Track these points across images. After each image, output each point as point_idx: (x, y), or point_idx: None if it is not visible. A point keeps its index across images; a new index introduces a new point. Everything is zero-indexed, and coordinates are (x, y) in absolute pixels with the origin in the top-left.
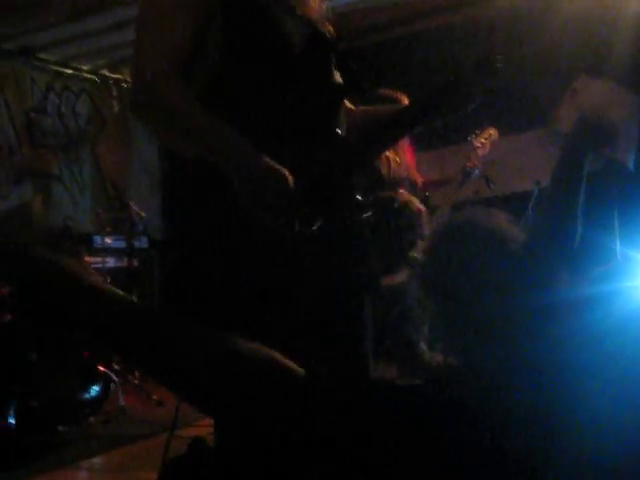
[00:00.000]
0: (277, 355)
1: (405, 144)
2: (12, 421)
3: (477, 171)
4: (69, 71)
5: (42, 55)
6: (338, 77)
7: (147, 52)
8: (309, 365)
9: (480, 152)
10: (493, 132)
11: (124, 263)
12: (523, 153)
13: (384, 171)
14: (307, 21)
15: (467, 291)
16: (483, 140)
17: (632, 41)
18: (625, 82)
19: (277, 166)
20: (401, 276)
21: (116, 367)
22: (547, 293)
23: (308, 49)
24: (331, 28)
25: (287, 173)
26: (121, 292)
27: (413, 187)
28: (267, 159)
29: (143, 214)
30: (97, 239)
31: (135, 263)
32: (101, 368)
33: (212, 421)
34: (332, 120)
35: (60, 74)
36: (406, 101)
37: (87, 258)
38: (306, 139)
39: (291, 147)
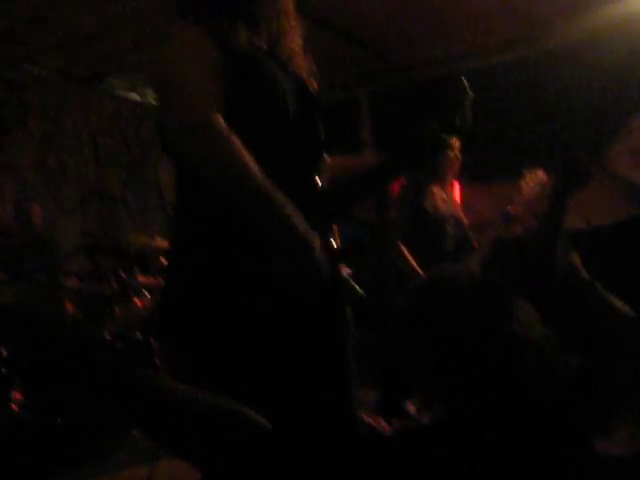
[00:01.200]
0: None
1: (453, 181)
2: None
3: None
4: (135, 96)
5: (110, 81)
6: (321, 131)
7: (192, 97)
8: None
9: (526, 195)
10: (542, 175)
11: None
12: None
13: (429, 207)
14: (297, 78)
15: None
16: (530, 183)
17: None
18: None
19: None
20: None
21: None
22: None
23: (297, 105)
24: (315, 84)
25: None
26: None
27: (459, 225)
28: (316, 237)
29: None
30: (153, 261)
31: None
32: None
33: None
34: (314, 172)
35: (126, 99)
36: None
37: (141, 278)
38: (289, 190)
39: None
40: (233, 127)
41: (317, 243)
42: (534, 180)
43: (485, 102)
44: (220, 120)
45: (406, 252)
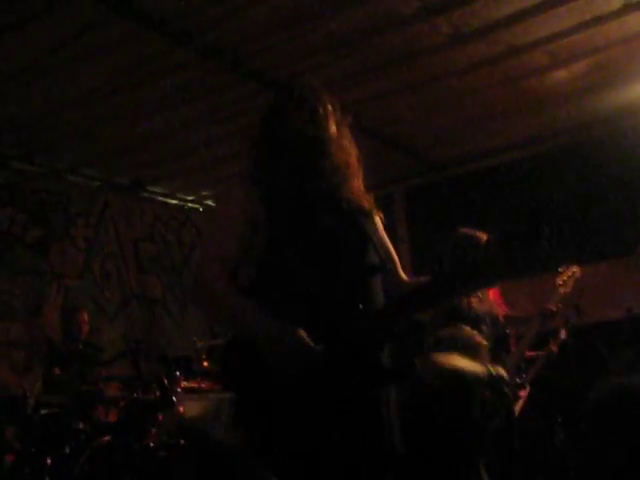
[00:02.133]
0: None
1: None
2: None
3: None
4: (174, 202)
5: (150, 188)
6: (373, 256)
7: (207, 258)
8: None
9: (562, 290)
10: (576, 270)
11: (219, 386)
12: (612, 281)
13: (464, 306)
14: (348, 206)
15: None
16: (565, 278)
17: None
18: None
19: (301, 339)
20: None
21: None
22: None
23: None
24: (367, 201)
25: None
26: None
27: (494, 323)
28: (290, 334)
29: None
30: (194, 364)
31: None
32: None
33: None
34: (362, 296)
35: (166, 204)
36: (484, 239)
37: (183, 382)
38: (336, 313)
39: (325, 320)
40: (273, 256)
41: (284, 335)
42: (569, 275)
43: (514, 196)
44: (217, 289)
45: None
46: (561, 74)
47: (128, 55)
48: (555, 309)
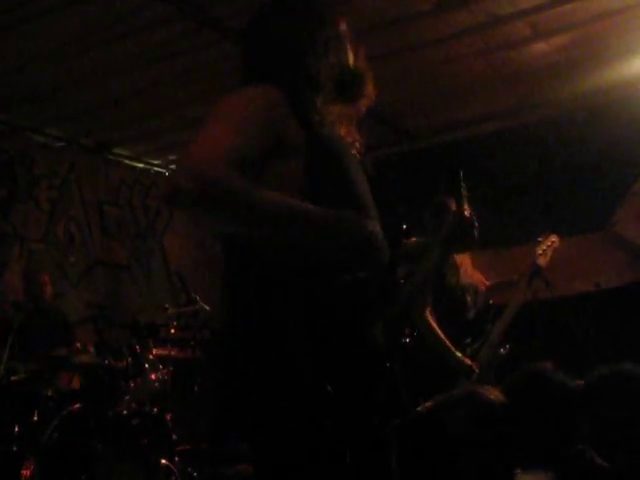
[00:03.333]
0: None
1: None
2: None
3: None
4: (141, 165)
5: (116, 150)
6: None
7: (213, 147)
8: None
9: (541, 260)
10: (555, 239)
11: (188, 354)
12: (583, 255)
13: (454, 279)
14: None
15: None
16: (544, 247)
17: None
18: None
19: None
20: None
21: (177, 460)
22: None
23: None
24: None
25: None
26: None
27: (477, 294)
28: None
29: (207, 308)
30: (163, 331)
31: (198, 354)
32: (163, 461)
33: None
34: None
35: (132, 168)
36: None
37: (154, 350)
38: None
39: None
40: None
41: (362, 217)
42: (548, 244)
43: (491, 168)
44: (224, 171)
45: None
46: (541, 47)
47: (99, 11)
48: (541, 265)
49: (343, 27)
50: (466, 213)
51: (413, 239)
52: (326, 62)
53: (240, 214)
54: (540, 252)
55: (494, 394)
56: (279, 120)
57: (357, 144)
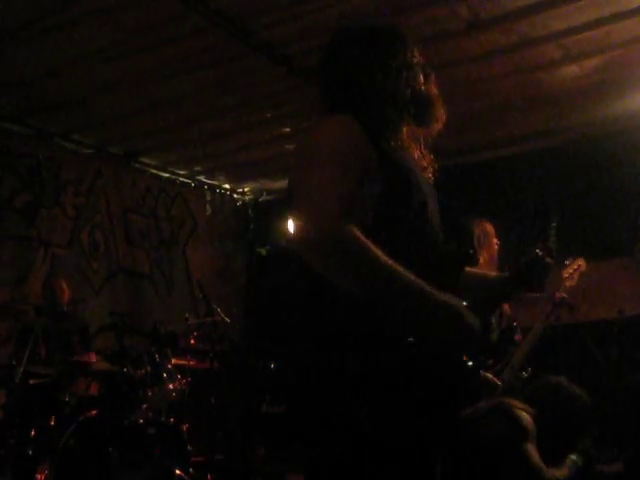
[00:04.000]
0: None
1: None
2: None
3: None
4: (166, 175)
5: (143, 159)
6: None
7: (327, 200)
8: None
9: (568, 283)
10: (582, 263)
11: (206, 365)
12: (608, 281)
13: None
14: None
15: None
16: (571, 271)
17: None
18: None
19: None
20: None
21: (191, 471)
22: None
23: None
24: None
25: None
26: None
27: (501, 314)
28: (469, 313)
29: (228, 320)
30: (182, 341)
31: (216, 365)
32: (178, 472)
33: None
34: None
35: (158, 177)
36: (489, 229)
37: (173, 359)
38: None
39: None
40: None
41: (461, 305)
42: (575, 267)
43: (519, 189)
44: (349, 231)
45: None
46: (573, 69)
47: (132, 19)
48: (566, 296)
49: (414, 53)
50: (549, 261)
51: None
52: (399, 87)
53: (359, 279)
54: (566, 275)
55: (521, 406)
56: (364, 148)
57: (430, 167)
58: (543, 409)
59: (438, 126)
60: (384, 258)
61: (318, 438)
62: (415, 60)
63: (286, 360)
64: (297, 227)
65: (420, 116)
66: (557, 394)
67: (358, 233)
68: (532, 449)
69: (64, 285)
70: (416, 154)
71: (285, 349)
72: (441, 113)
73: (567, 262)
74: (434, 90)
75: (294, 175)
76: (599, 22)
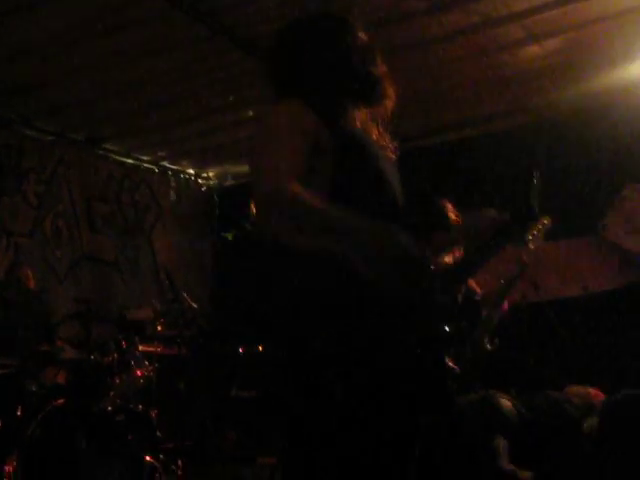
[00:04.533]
0: None
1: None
2: None
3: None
4: (130, 161)
5: (106, 145)
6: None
7: (274, 158)
8: None
9: (532, 245)
10: (547, 221)
11: (174, 351)
12: (572, 258)
13: None
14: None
15: None
16: (535, 231)
17: None
18: None
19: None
20: None
21: (162, 457)
22: None
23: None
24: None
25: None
26: None
27: (470, 292)
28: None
29: (195, 305)
30: (149, 327)
31: (184, 351)
32: (148, 458)
33: None
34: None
35: (122, 164)
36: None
37: (140, 346)
38: None
39: None
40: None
41: (398, 231)
42: (540, 226)
43: (483, 169)
44: (293, 187)
45: None
46: (535, 50)
47: (94, 3)
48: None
49: (360, 33)
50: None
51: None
52: (344, 69)
53: (314, 228)
54: (531, 237)
55: (506, 401)
56: (312, 126)
57: (390, 146)
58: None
59: (390, 104)
60: (328, 206)
61: (300, 411)
62: (360, 42)
63: (258, 341)
64: (252, 188)
65: (367, 95)
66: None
67: (306, 191)
68: (503, 446)
69: (29, 273)
70: (374, 134)
71: (254, 332)
72: (390, 91)
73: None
74: (381, 70)
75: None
76: (560, 2)
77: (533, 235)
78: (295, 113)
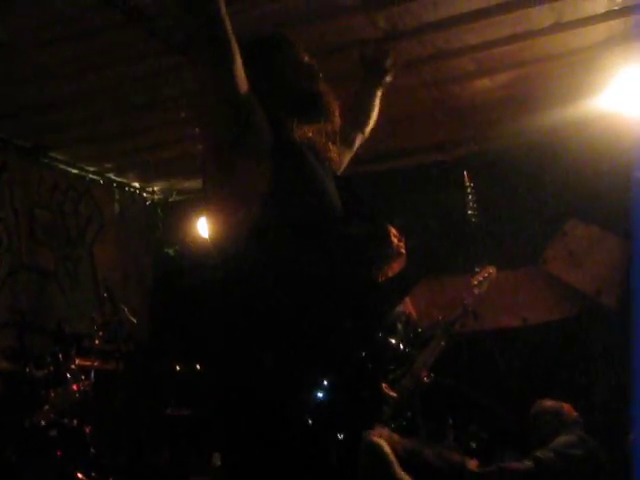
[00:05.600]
0: None
1: None
2: None
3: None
4: (75, 171)
5: (52, 154)
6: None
7: None
8: None
9: (476, 290)
10: (492, 270)
11: (111, 366)
12: (512, 290)
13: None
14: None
15: None
16: (481, 278)
17: (618, 189)
18: (611, 227)
19: None
20: None
21: (94, 474)
22: None
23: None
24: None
25: None
26: None
27: (408, 321)
28: None
29: (134, 320)
30: (87, 341)
31: (121, 366)
32: (80, 475)
33: None
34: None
35: (67, 173)
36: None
37: (77, 360)
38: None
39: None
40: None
41: None
42: (485, 275)
43: (430, 198)
44: None
45: None
46: (485, 83)
47: (42, 12)
48: (471, 307)
49: (301, 53)
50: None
51: None
52: (283, 87)
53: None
54: (476, 283)
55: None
56: (254, 102)
57: (334, 159)
58: None
59: (336, 120)
60: None
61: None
62: (297, 60)
63: (195, 359)
64: None
65: (306, 111)
66: None
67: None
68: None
69: None
70: (319, 147)
71: (190, 350)
72: (333, 107)
73: (477, 269)
74: (321, 87)
75: None
76: (512, 39)
77: (479, 281)
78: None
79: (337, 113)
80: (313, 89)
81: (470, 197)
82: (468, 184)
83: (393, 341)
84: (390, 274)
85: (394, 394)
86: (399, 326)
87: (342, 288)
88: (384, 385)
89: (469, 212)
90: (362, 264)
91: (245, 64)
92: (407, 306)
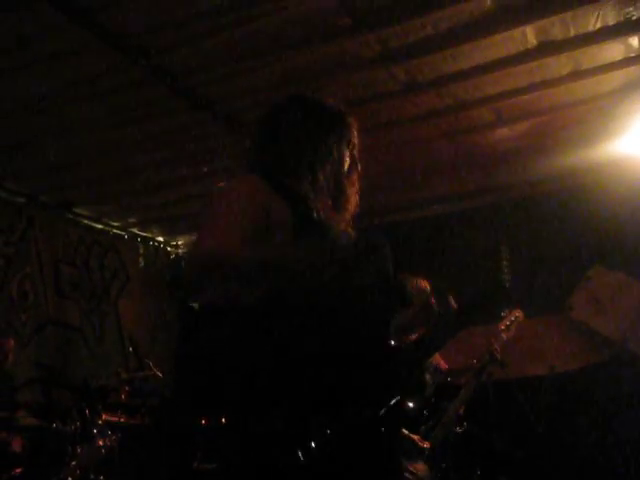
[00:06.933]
0: None
1: None
2: None
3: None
4: (100, 226)
5: (76, 209)
6: None
7: (221, 234)
8: None
9: (505, 335)
10: (519, 314)
11: (137, 421)
12: (539, 337)
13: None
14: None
15: None
16: (508, 323)
17: None
18: (635, 272)
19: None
20: None
21: None
22: None
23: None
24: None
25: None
26: None
27: (436, 371)
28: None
29: (159, 374)
30: (113, 396)
31: (148, 421)
32: None
33: None
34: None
35: (91, 228)
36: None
37: (103, 415)
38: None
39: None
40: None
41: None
42: (512, 319)
43: (453, 247)
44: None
45: None
46: (504, 132)
47: (69, 69)
48: (500, 353)
49: (351, 141)
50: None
51: None
52: (324, 167)
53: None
54: (503, 327)
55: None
56: (263, 197)
57: (350, 231)
58: None
59: (349, 212)
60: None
61: None
62: (347, 150)
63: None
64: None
65: (332, 201)
66: None
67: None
68: None
69: (11, 343)
70: (331, 219)
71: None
72: (353, 203)
73: (503, 313)
74: (353, 182)
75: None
76: (531, 88)
77: (506, 326)
78: (245, 189)
79: (353, 207)
80: (343, 186)
81: (505, 263)
82: (504, 254)
83: (411, 405)
84: (418, 334)
85: (427, 445)
86: (427, 377)
87: (346, 363)
88: (416, 437)
89: (504, 277)
90: (373, 322)
91: (301, 125)
92: (436, 358)
